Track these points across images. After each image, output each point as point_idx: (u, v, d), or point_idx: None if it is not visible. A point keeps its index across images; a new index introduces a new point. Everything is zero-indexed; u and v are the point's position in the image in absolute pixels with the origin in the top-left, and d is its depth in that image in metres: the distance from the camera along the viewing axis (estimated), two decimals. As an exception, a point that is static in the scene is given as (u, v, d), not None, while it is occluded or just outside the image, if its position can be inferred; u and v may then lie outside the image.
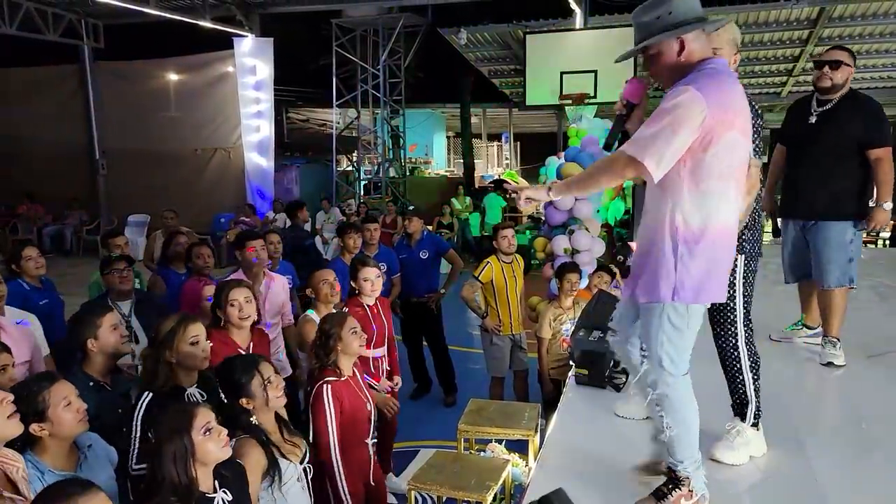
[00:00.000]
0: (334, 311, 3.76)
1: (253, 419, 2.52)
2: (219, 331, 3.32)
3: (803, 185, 3.59)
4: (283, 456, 2.56)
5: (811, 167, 3.53)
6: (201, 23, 12.31)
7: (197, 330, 2.82)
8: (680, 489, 2.19)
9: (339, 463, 2.98)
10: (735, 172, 2.05)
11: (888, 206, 3.47)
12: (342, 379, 3.07)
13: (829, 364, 3.51)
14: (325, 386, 3.00)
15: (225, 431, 2.16)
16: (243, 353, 3.27)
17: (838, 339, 3.55)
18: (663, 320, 2.09)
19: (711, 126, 1.95)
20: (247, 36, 13.37)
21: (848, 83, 3.48)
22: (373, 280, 3.98)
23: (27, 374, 3.14)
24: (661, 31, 2.05)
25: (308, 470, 2.71)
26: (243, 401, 2.53)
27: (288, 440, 2.66)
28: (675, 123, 1.94)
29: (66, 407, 2.22)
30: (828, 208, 3.48)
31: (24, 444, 2.16)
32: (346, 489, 2.96)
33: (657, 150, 1.96)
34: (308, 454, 2.74)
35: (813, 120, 3.51)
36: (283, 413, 2.79)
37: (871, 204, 3.51)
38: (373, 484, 3.21)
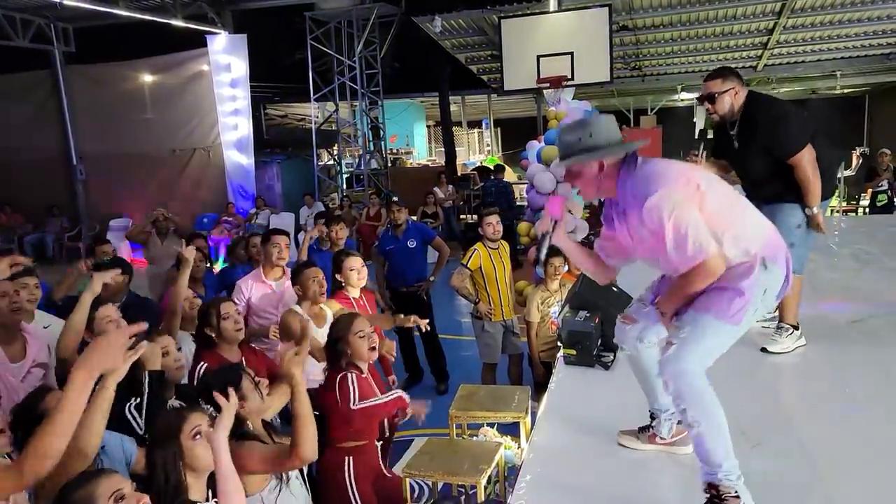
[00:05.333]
0: (323, 308, 3.77)
1: (249, 425, 2.52)
2: (209, 351, 3.30)
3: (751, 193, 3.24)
4: None
5: (755, 184, 3.38)
6: (173, 22, 12.17)
7: (165, 341, 2.83)
8: None
9: (351, 458, 3.03)
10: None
11: (812, 211, 3.28)
12: (363, 375, 3.12)
13: (763, 350, 3.41)
14: (349, 374, 3.04)
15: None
16: None
17: (791, 326, 3.44)
18: None
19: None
20: (220, 33, 13.24)
21: (736, 102, 3.29)
22: (358, 269, 4.06)
23: (43, 377, 3.20)
24: (581, 152, 2.22)
25: (297, 475, 2.71)
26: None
27: (278, 443, 2.65)
28: (682, 221, 2.07)
29: None
30: (776, 195, 3.30)
31: None
32: (354, 485, 3.00)
33: (698, 240, 2.07)
34: None
35: (735, 145, 3.39)
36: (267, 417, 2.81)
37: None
38: (387, 475, 3.22)
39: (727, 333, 2.14)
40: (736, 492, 2.01)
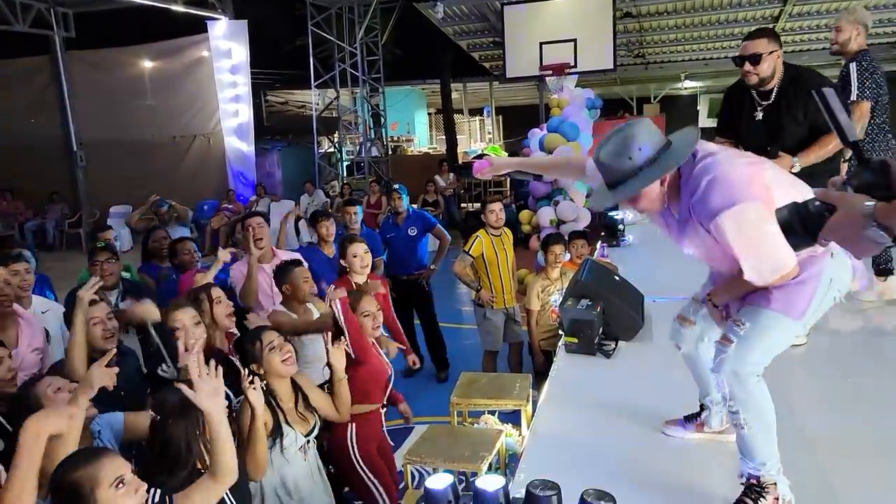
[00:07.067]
0: (309, 308, 3.77)
1: (263, 383, 2.67)
2: None
3: None
4: (287, 423, 2.70)
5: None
6: (173, 7, 12.08)
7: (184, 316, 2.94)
8: (765, 498, 1.99)
9: (354, 424, 3.12)
10: None
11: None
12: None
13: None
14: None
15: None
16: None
17: None
18: None
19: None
20: (220, 18, 13.15)
21: (778, 69, 3.14)
22: (361, 255, 4.03)
23: (40, 362, 3.22)
24: (639, 170, 1.94)
25: (313, 443, 2.85)
26: (253, 366, 2.72)
27: (300, 412, 2.81)
28: (762, 242, 1.85)
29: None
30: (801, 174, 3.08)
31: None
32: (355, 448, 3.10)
33: (776, 259, 1.88)
34: (316, 429, 2.86)
35: (759, 116, 3.19)
36: (307, 385, 2.94)
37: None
38: (386, 445, 3.38)
39: (790, 329, 2.00)
40: (776, 482, 2.01)
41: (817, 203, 1.43)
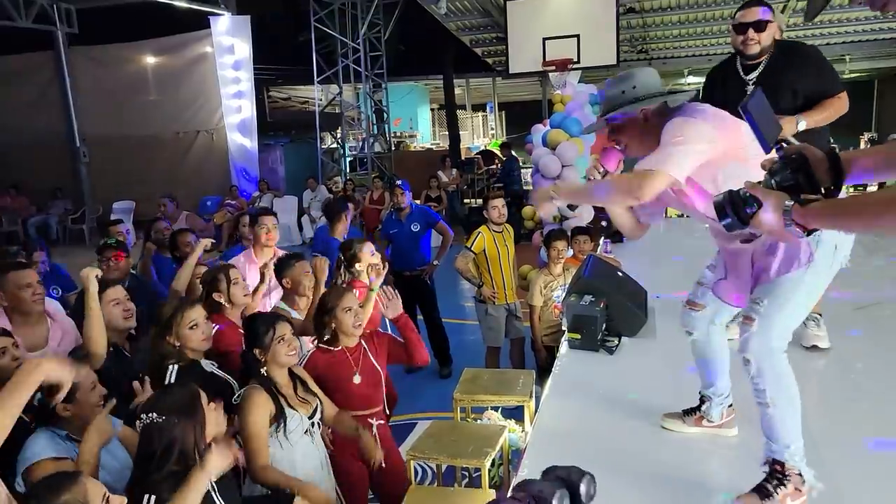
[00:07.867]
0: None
1: (263, 370, 2.69)
2: (218, 315, 3.31)
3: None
4: (290, 406, 2.69)
5: None
6: (176, 3, 12.10)
7: (195, 314, 2.89)
8: (785, 486, 1.98)
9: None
10: None
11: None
12: (334, 349, 3.09)
13: (814, 347, 3.22)
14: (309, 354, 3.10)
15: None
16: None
17: (820, 315, 3.26)
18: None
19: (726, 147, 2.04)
20: (223, 14, 13.15)
21: (772, 39, 3.03)
22: (376, 252, 4.05)
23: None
24: (627, 103, 2.21)
25: (317, 425, 2.82)
26: (256, 351, 2.71)
27: (300, 396, 2.79)
28: (687, 141, 2.02)
29: (93, 391, 2.34)
30: None
31: (48, 420, 2.23)
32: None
33: (667, 159, 2.02)
34: (319, 411, 2.83)
35: (750, 89, 3.04)
36: (304, 375, 2.91)
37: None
38: (383, 465, 3.00)
39: (803, 283, 2.01)
40: (800, 471, 2.00)
41: (748, 194, 1.58)
